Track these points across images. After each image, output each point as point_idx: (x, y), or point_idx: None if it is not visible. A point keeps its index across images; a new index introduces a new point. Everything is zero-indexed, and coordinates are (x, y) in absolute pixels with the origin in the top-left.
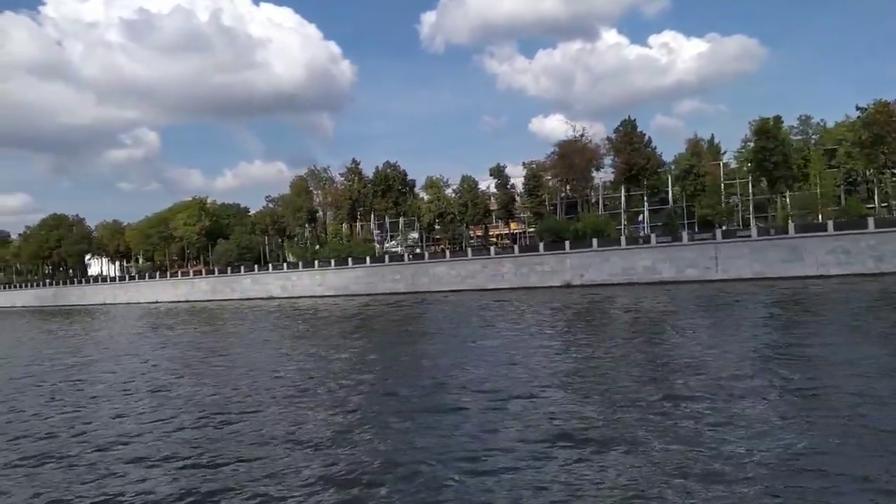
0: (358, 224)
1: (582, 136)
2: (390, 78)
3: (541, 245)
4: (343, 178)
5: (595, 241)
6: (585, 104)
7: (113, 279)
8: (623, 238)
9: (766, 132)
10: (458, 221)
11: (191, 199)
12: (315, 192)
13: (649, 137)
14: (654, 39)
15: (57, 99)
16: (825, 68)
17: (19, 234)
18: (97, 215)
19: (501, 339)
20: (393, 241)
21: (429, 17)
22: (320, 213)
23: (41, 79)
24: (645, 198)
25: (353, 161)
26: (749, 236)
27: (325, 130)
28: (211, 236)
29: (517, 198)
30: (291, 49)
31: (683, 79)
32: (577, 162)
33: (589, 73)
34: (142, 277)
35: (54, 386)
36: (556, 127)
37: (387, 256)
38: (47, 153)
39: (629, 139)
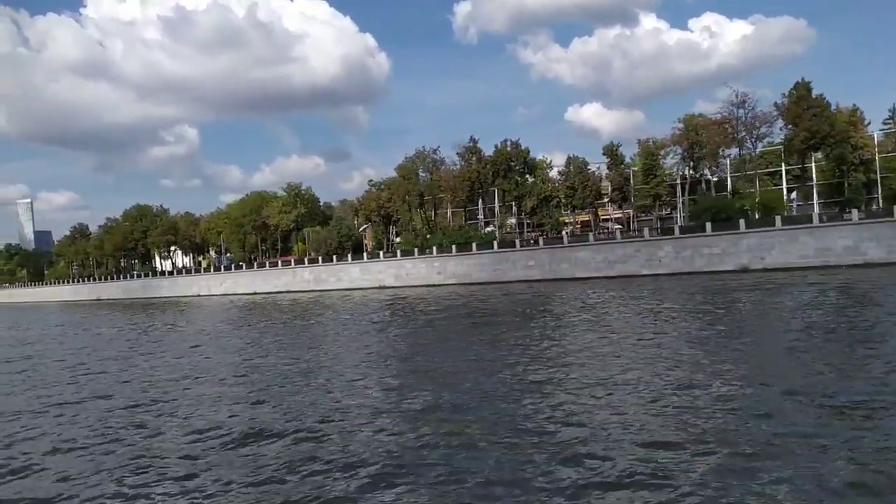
0: (449, 210)
1: (744, 102)
2: (424, 70)
3: (708, 225)
4: (461, 158)
5: (778, 218)
6: (622, 91)
7: (207, 270)
8: (815, 215)
9: None
10: (565, 205)
11: (287, 184)
12: (423, 175)
13: (828, 101)
14: (694, 23)
15: (100, 98)
16: (879, 48)
17: (99, 227)
18: None
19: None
20: (490, 227)
21: (462, 8)
22: (429, 198)
23: (85, 78)
24: (810, 171)
25: (472, 139)
26: None
27: (360, 124)
28: (297, 225)
29: (631, 179)
30: (327, 42)
31: (726, 63)
32: (720, 134)
33: (627, 59)
34: (238, 267)
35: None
36: (590, 117)
37: (517, 241)
38: (92, 152)
39: (806, 104)
